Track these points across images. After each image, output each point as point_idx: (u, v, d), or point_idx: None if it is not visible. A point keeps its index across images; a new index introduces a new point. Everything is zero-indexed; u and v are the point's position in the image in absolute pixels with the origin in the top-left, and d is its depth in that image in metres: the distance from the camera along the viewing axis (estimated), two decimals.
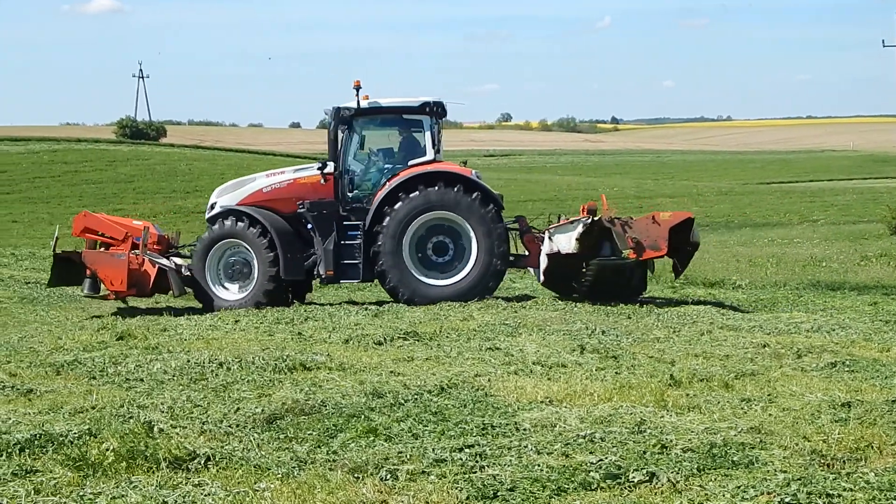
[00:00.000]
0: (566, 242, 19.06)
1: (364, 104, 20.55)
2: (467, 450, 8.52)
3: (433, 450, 8.53)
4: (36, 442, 8.61)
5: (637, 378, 11.64)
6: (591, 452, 8.38)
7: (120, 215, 25.20)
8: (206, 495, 7.40)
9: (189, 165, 66.35)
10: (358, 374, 12.13)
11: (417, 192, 19.91)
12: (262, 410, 10.04)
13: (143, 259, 20.19)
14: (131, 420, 9.50)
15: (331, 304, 19.49)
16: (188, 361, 12.88)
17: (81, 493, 7.36)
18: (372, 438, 9.02)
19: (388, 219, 19.88)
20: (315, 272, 20.41)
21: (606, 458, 8.17)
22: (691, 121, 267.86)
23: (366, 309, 18.20)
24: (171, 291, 20.51)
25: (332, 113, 20.57)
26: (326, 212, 20.34)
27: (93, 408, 10.27)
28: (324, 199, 20.48)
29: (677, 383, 11.26)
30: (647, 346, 14.07)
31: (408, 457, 8.36)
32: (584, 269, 19.53)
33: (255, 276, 20.23)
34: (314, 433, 9.28)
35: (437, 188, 19.96)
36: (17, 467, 7.91)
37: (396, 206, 19.89)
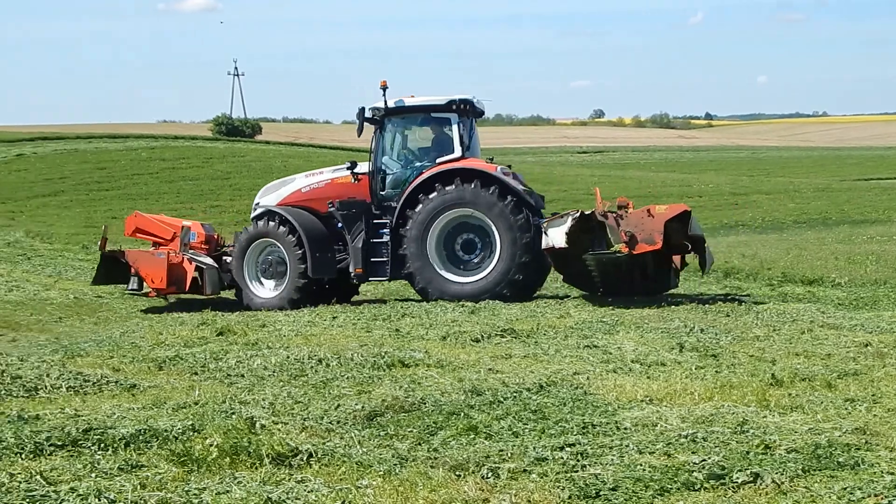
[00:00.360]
0: (558, 237, 18.85)
1: (391, 104, 20.82)
2: (568, 448, 8.48)
3: (534, 448, 8.50)
4: (141, 437, 8.70)
5: (738, 377, 11.53)
6: (693, 452, 8.31)
7: (216, 212, 25.64)
8: (308, 491, 7.43)
9: (284, 162, 66.75)
10: (456, 371, 12.13)
11: (435, 193, 20.08)
12: (363, 407, 10.07)
13: (182, 257, 20.89)
14: (233, 416, 9.57)
15: (427, 301, 19.49)
16: (288, 357, 12.98)
17: (186, 489, 7.42)
18: (472, 436, 9.02)
19: (410, 221, 20.15)
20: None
21: (709, 458, 8.09)
22: (786, 117, 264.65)
23: (462, 306, 18.20)
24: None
25: (359, 113, 20.83)
26: (356, 210, 20.73)
27: (195, 403, 10.37)
28: (354, 198, 20.84)
29: (779, 383, 11.13)
30: (746, 345, 13.93)
31: (509, 455, 8.35)
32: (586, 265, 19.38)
33: (288, 274, 20.81)
34: (415, 430, 9.30)
35: (454, 186, 20.04)
36: (122, 462, 8.00)
37: (417, 209, 20.17)
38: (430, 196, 20.08)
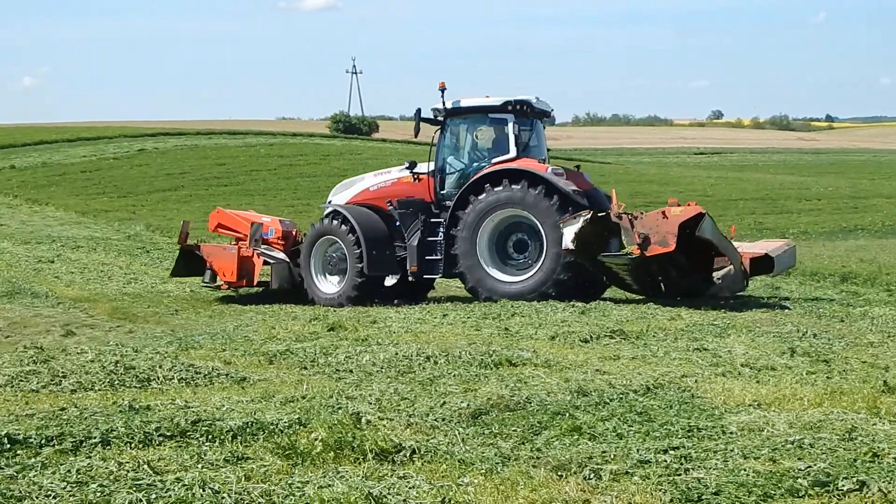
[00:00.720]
0: (568, 237, 18.78)
1: (449, 105, 21.23)
2: (672, 451, 8.42)
3: (637, 450, 8.46)
4: (248, 429, 8.82)
5: (849, 383, 11.35)
6: (799, 458, 8.20)
7: None
8: (410, 488, 7.47)
9: (401, 160, 67.26)
10: (563, 371, 12.11)
11: (484, 194, 20.24)
12: (468, 405, 10.10)
13: (253, 252, 21.75)
14: (340, 411, 9.65)
15: (537, 301, 19.47)
16: (396, 354, 13.07)
17: (290, 482, 7.50)
18: (576, 437, 9.00)
19: (461, 222, 20.38)
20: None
21: (815, 464, 7.98)
22: None
23: (572, 306, 18.15)
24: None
25: (416, 114, 21.59)
26: (413, 209, 21.24)
27: (303, 397, 10.48)
28: (414, 197, 21.35)
29: (891, 390, 10.92)
30: (860, 351, 13.72)
31: (612, 456, 8.31)
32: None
33: (348, 271, 21.39)
34: (518, 429, 9.30)
35: (502, 187, 20.15)
36: (228, 454, 8.12)
37: (467, 209, 20.40)
38: (480, 197, 20.30)
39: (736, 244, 20.23)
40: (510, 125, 20.87)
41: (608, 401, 10.45)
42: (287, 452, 8.15)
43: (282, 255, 22.27)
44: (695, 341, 14.34)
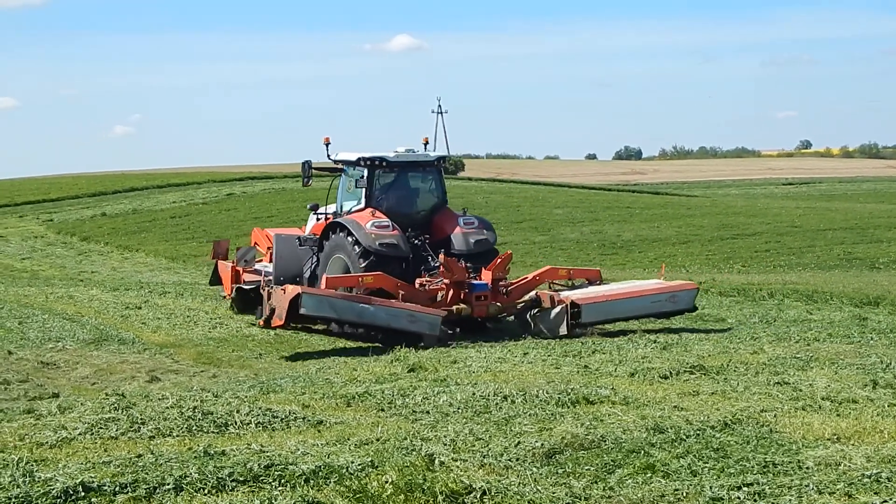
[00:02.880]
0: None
1: (333, 157, 24.44)
2: (746, 488, 8.35)
3: (711, 487, 8.40)
4: (320, 473, 8.87)
5: None
6: (875, 493, 8.09)
7: None
8: None
9: (486, 198, 67.34)
10: (640, 408, 12.04)
11: (328, 240, 23.29)
12: (542, 444, 10.08)
13: (241, 270, 24.99)
14: (413, 453, 9.68)
15: (619, 337, 19.38)
16: (473, 394, 13.06)
17: None
18: (650, 475, 8.95)
19: (320, 260, 23.77)
20: None
21: (891, 498, 7.88)
22: None
23: (654, 342, 18.05)
24: None
25: (303, 165, 25.02)
26: (309, 244, 24.26)
27: (377, 440, 10.52)
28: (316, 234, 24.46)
29: None
30: None
31: (684, 494, 8.26)
32: None
33: None
34: (592, 468, 9.27)
35: (335, 235, 23.06)
36: (299, 498, 8.18)
37: (323, 250, 23.62)
38: (325, 242, 23.32)
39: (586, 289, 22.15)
40: (363, 178, 23.37)
41: (684, 437, 10.37)
42: (357, 496, 8.19)
43: (258, 276, 24.35)
44: (776, 375, 14.18)
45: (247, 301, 22.84)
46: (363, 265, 21.90)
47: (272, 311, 20.18)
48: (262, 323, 21.21)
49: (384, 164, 23.35)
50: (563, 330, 20.65)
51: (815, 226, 55.43)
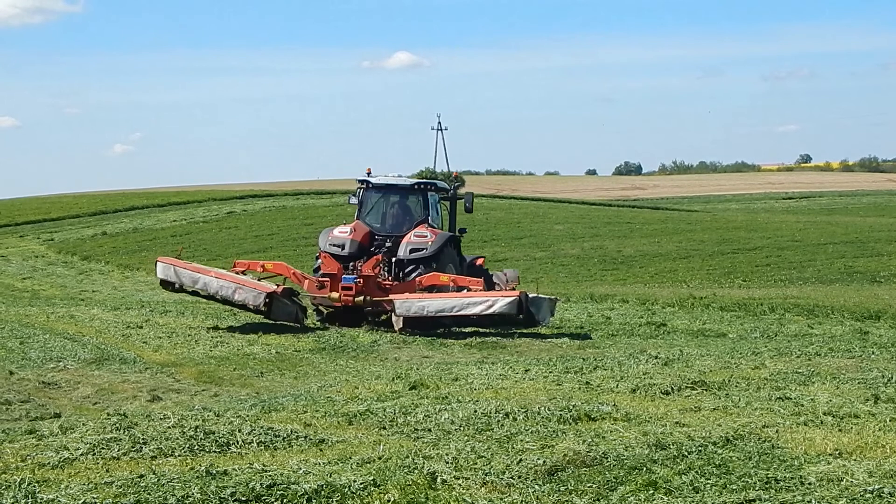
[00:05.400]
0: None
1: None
2: None
3: (712, 503, 8.40)
4: (322, 492, 8.86)
5: None
6: None
7: None
8: None
9: (486, 215, 67.39)
10: (643, 424, 12.04)
11: None
12: (544, 462, 10.07)
13: None
14: (415, 471, 9.67)
15: (620, 353, 19.40)
16: (475, 411, 13.04)
17: None
18: (651, 491, 8.94)
19: None
20: None
21: None
22: None
23: (655, 357, 18.07)
24: None
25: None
26: None
27: (379, 458, 10.51)
28: None
29: None
30: None
31: None
32: None
33: None
34: (594, 486, 9.26)
35: None
36: None
37: None
38: None
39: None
40: (356, 196, 29.29)
41: (686, 454, 10.37)
42: None
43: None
44: (778, 390, 14.19)
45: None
46: (317, 261, 27.92)
47: None
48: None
49: (369, 186, 28.93)
50: (397, 325, 25.88)
51: (816, 240, 55.51)
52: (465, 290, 26.35)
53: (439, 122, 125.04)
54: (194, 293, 27.88)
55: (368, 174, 29.16)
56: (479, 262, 29.80)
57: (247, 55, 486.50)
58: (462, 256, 29.26)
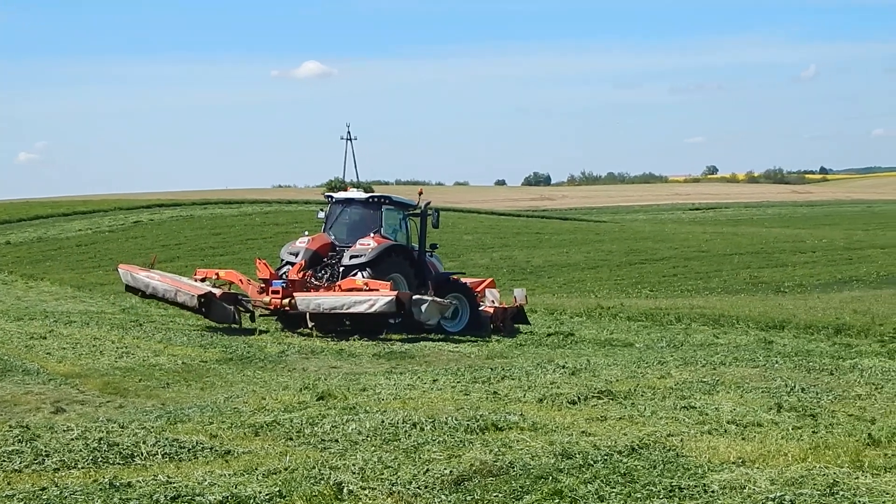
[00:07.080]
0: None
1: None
2: None
3: None
4: (228, 503, 8.80)
5: (834, 437, 11.36)
6: None
7: None
8: None
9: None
10: (549, 434, 12.09)
11: None
12: (451, 472, 10.07)
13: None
14: (322, 482, 9.63)
15: (528, 363, 19.47)
16: (383, 422, 13.03)
17: None
18: (557, 500, 8.98)
19: None
20: None
21: None
22: None
23: (563, 367, 18.15)
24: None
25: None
26: None
27: (286, 469, 10.45)
28: None
29: (876, 443, 10.94)
30: (847, 404, 13.73)
31: None
32: None
33: None
34: (500, 495, 9.28)
35: None
36: None
37: None
38: None
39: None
40: (324, 212, 31.57)
41: (592, 463, 10.43)
42: None
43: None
44: (683, 399, 14.33)
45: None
46: (279, 268, 29.68)
47: None
48: None
49: (332, 200, 31.51)
50: (310, 322, 27.95)
51: (722, 250, 56.12)
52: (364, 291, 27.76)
53: (349, 132, 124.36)
54: (152, 296, 30.55)
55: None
56: (455, 277, 30.99)
57: (152, 62, 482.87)
58: (429, 270, 30.43)
